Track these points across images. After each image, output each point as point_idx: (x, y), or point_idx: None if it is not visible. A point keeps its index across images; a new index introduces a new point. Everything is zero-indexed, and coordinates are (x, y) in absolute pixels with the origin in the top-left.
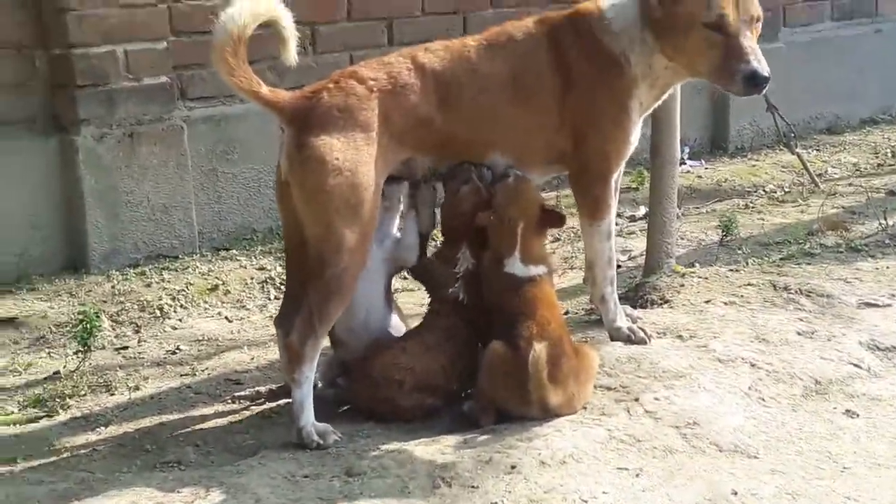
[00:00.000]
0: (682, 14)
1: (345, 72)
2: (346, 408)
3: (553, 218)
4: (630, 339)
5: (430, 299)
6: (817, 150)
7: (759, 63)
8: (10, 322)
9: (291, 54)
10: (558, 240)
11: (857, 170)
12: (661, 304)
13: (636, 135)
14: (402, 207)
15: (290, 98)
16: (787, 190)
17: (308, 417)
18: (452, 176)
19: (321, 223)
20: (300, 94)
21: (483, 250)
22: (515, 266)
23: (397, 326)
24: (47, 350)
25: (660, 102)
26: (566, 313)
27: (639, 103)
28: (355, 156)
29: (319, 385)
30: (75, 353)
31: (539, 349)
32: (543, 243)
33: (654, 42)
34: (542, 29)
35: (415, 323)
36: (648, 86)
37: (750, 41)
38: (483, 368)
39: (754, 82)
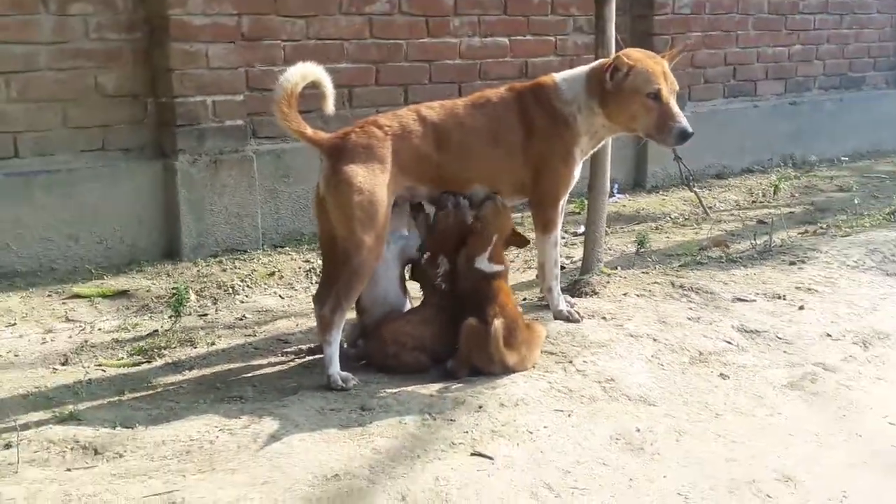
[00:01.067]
0: (628, 87)
1: (368, 119)
2: (363, 362)
3: (519, 239)
4: (568, 319)
5: (423, 290)
6: (709, 189)
7: (686, 122)
8: (123, 294)
9: (330, 107)
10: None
11: (737, 205)
12: (592, 294)
13: (578, 173)
14: (407, 219)
15: (328, 137)
16: (686, 217)
17: (335, 367)
18: (437, 203)
19: (347, 228)
20: (335, 135)
21: (457, 256)
22: (483, 263)
23: (406, 305)
24: (149, 315)
25: (595, 150)
26: (524, 300)
27: (580, 150)
28: (373, 180)
29: (345, 345)
30: (169, 317)
31: (497, 324)
32: (504, 252)
33: (598, 107)
34: (511, 95)
35: (416, 304)
36: (588, 138)
37: (676, 107)
38: (461, 336)
39: (683, 135)
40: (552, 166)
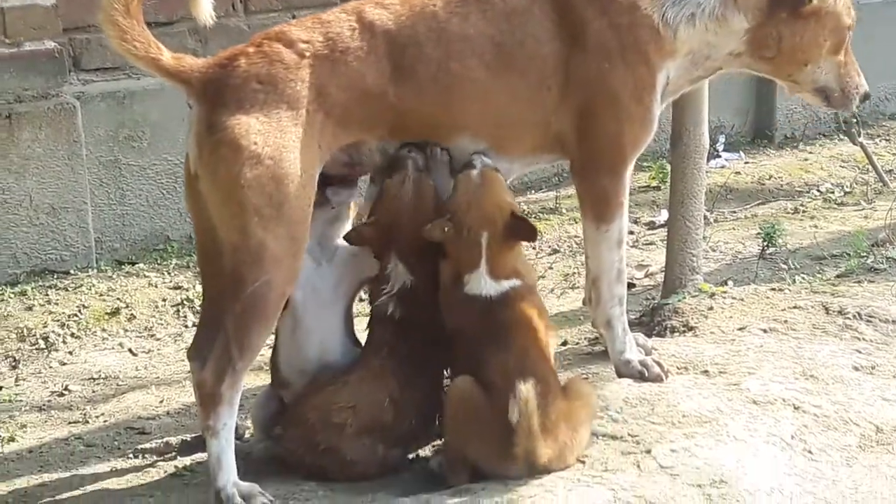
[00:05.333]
0: (833, 13)
1: (270, 33)
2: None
3: (522, 229)
4: (642, 376)
5: (369, 324)
6: (887, 139)
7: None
8: None
9: (204, 10)
10: (557, 251)
11: None
12: (684, 331)
13: (657, 119)
14: (352, 215)
15: (200, 67)
16: (847, 190)
17: (228, 475)
18: (390, 165)
19: (237, 226)
20: (212, 62)
21: (422, 260)
22: (481, 283)
23: None
24: None
25: (687, 90)
26: (563, 344)
27: (665, 83)
28: (280, 140)
29: (246, 434)
30: None
31: (525, 391)
32: (517, 253)
33: (745, 23)
34: None
35: None
36: (690, 63)
37: None
38: (447, 413)
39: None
40: (616, 103)
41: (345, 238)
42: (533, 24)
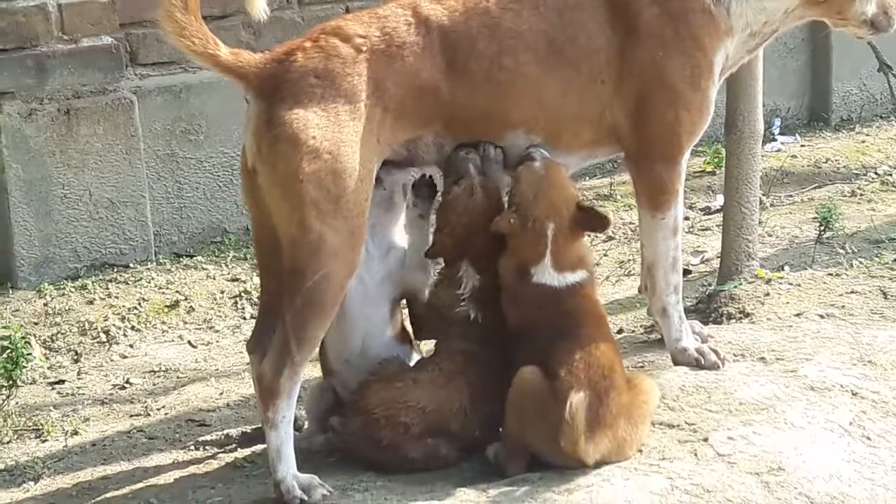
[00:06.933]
0: None
1: (326, 27)
2: (339, 454)
3: (592, 219)
4: (699, 363)
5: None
6: None
7: None
8: None
9: (259, 6)
10: (612, 238)
11: None
12: (740, 318)
13: (713, 103)
14: (408, 204)
15: (257, 62)
16: None
17: (287, 467)
18: (447, 169)
19: (295, 220)
20: (269, 57)
21: (490, 260)
22: (546, 274)
23: (410, 360)
24: None
25: (743, 62)
26: (619, 332)
27: (725, 56)
28: (337, 134)
29: (305, 426)
30: None
31: (577, 400)
32: (581, 242)
33: None
34: None
35: None
36: (748, 35)
37: None
38: (510, 401)
39: None
40: (672, 92)
41: (426, 255)
42: (585, 18)
